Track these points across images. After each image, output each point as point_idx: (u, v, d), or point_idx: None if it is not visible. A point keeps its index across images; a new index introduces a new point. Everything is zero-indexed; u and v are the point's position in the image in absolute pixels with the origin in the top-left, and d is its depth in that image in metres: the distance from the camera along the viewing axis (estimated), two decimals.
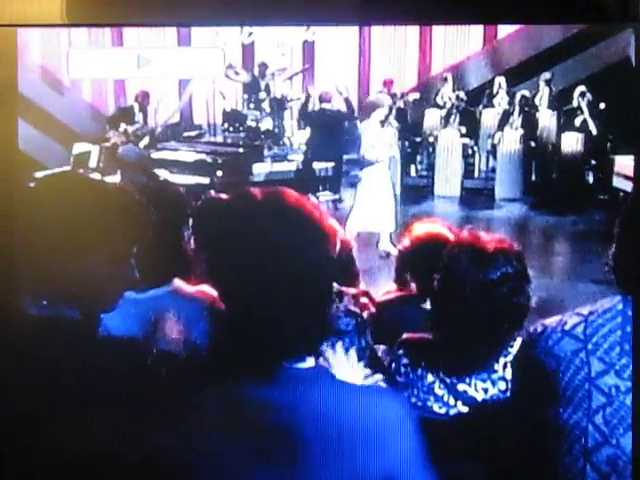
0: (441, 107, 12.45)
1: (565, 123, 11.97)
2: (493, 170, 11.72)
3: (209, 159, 10.67)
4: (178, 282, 2.28)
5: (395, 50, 14.65)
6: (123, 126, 10.36)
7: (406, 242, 3.30)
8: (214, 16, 2.18)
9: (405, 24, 10.85)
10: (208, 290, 1.69)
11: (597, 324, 1.83)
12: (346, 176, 12.27)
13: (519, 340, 2.28)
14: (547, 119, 12.45)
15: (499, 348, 2.29)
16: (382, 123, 8.63)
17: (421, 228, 3.16)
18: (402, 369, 2.35)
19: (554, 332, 1.86)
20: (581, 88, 11.98)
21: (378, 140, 8.72)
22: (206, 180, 10.10)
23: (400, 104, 12.39)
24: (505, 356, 2.28)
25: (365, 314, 3.21)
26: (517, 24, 11.08)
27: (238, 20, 2.46)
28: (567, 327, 1.86)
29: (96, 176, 5.38)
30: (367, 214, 8.91)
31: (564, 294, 7.13)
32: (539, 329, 1.89)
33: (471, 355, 2.27)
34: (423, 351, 2.34)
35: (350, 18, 2.24)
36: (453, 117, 12.17)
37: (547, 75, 13.23)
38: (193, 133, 13.46)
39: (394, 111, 8.95)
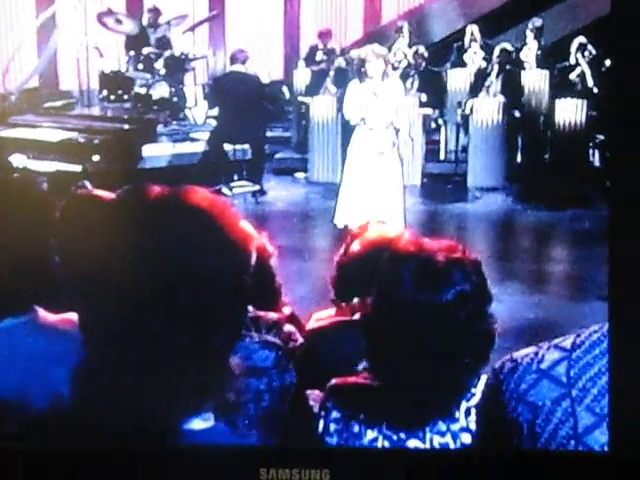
0: (394, 67, 12.59)
1: (560, 85, 12.18)
2: (464, 150, 11.87)
3: (81, 139, 10.52)
4: (39, 310, 2.31)
5: None
6: None
7: (341, 251, 3.37)
8: None
9: None
10: (76, 318, 1.72)
11: (584, 362, 1.85)
12: (270, 160, 12.31)
13: (483, 379, 2.33)
14: (536, 80, 12.65)
15: (459, 390, 2.33)
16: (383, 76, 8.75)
17: (364, 231, 3.22)
18: (332, 426, 2.37)
19: (528, 371, 1.88)
20: (580, 39, 12.22)
21: (359, 99, 8.79)
22: (77, 168, 9.98)
23: (339, 62, 12.50)
24: (468, 400, 2.33)
25: (291, 345, 3.27)
26: None
27: None
28: (545, 365, 1.87)
29: None
30: (361, 203, 8.94)
31: (562, 315, 7.24)
32: (508, 366, 1.89)
33: (423, 401, 2.30)
34: (359, 400, 2.35)
35: None
36: (410, 80, 12.28)
37: (537, 22, 13.44)
38: (59, 103, 13.32)
39: (389, 67, 9.01)
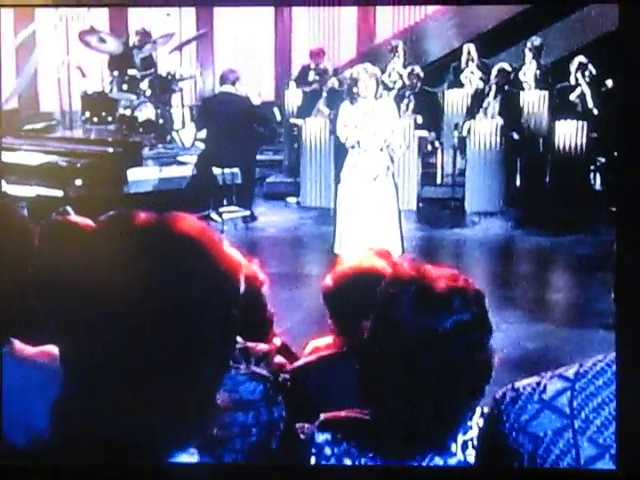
0: (389, 88, 12.66)
1: (560, 106, 12.24)
2: (462, 173, 11.93)
3: (63, 162, 10.52)
4: (16, 343, 2.31)
5: (326, 8, 14.84)
6: None
7: (328, 280, 3.40)
8: None
9: None
10: (55, 351, 1.71)
11: (588, 393, 1.86)
12: (261, 184, 12.33)
13: (478, 411, 2.36)
14: (535, 101, 12.73)
15: (455, 422, 2.33)
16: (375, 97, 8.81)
17: (349, 260, 3.25)
18: (324, 462, 2.36)
19: (530, 402, 1.90)
20: (580, 58, 12.29)
21: (352, 120, 8.83)
22: (59, 193, 9.99)
23: (332, 83, 12.55)
24: (464, 433, 2.34)
25: (281, 377, 3.28)
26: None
27: None
28: (547, 395, 1.89)
29: None
30: (358, 230, 8.96)
31: (564, 345, 7.25)
32: (509, 396, 1.92)
33: (418, 434, 2.30)
34: (352, 435, 2.36)
35: None
36: (406, 101, 12.34)
37: (536, 41, 13.53)
38: (39, 125, 13.34)
39: (381, 87, 9.06)
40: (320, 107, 12.11)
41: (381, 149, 8.97)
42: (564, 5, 11.96)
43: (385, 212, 9.00)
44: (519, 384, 1.94)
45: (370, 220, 8.93)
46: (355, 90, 8.86)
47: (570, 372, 1.91)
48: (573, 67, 12.11)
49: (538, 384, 1.92)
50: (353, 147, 8.99)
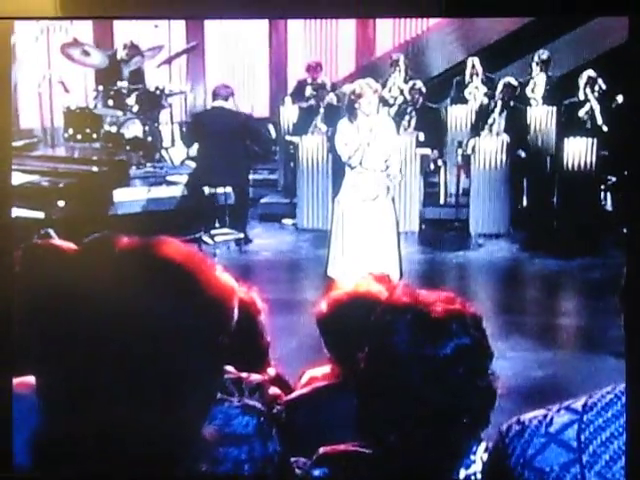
0: (390, 104, 12.69)
1: (569, 123, 12.26)
2: (466, 193, 11.93)
3: (45, 182, 10.53)
4: None
5: (322, 20, 14.90)
6: None
7: (322, 305, 3.41)
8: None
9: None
10: (33, 382, 1.71)
11: (596, 426, 1.87)
12: (255, 205, 12.32)
13: (483, 445, 2.35)
14: (543, 118, 12.75)
15: (457, 455, 2.33)
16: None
17: (345, 284, 3.25)
18: None
19: (536, 435, 1.91)
20: (589, 73, 12.31)
21: (353, 138, 8.84)
22: (40, 214, 9.98)
23: (331, 98, 12.57)
24: (467, 467, 2.33)
25: (275, 410, 3.27)
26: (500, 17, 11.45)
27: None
28: (554, 428, 1.90)
29: None
30: (355, 253, 8.96)
31: (573, 374, 7.26)
32: (515, 429, 1.92)
33: (418, 468, 2.30)
34: (350, 469, 2.36)
35: None
36: (407, 118, 12.36)
37: (543, 54, 13.56)
38: (19, 143, 13.30)
39: (377, 101, 9.07)
40: (318, 124, 12.12)
41: (382, 169, 8.97)
42: (571, 18, 11.98)
43: (384, 234, 9.00)
44: (525, 417, 1.95)
45: (367, 242, 8.93)
46: (357, 106, 8.84)
47: (578, 404, 1.92)
48: (582, 82, 12.11)
49: (545, 417, 1.93)
50: (354, 167, 8.97)
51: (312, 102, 12.79)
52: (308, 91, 13.30)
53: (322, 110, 12.35)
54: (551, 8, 2.60)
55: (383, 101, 9.84)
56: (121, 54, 13.35)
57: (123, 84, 13.00)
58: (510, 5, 2.77)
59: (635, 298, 2.01)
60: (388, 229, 9.07)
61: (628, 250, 2.21)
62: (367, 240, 8.95)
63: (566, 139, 11.54)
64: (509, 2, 2.79)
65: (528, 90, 13.04)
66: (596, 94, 12.00)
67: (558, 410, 1.93)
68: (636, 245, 2.26)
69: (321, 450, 2.45)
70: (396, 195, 9.36)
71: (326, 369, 3.58)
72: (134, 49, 13.38)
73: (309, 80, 13.56)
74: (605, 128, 11.83)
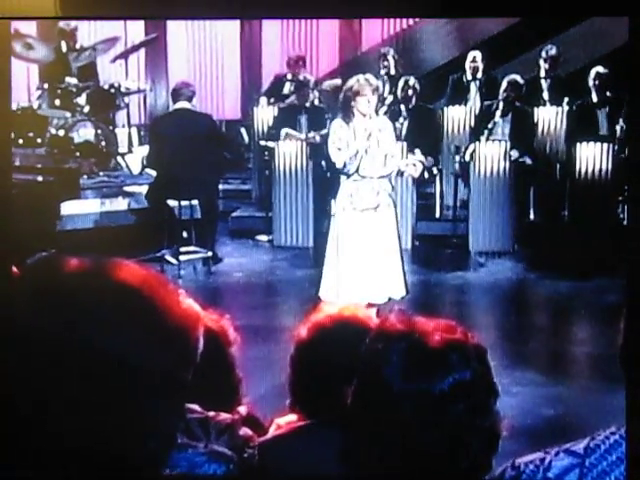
0: (380, 103, 12.67)
1: (581, 126, 12.26)
2: (465, 206, 11.97)
3: None
4: None
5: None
6: None
7: (302, 332, 3.40)
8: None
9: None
10: None
11: (599, 470, 1.90)
12: (225, 220, 12.29)
13: None
14: (552, 120, 12.79)
15: None
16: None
17: (327, 309, 3.25)
18: None
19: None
20: (598, 68, 12.29)
21: (351, 142, 8.82)
22: None
23: (313, 96, 12.57)
24: None
25: (247, 454, 3.26)
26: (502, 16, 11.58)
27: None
28: (553, 473, 1.92)
29: None
30: (353, 271, 8.95)
31: (586, 411, 7.26)
32: (509, 474, 1.95)
33: None
34: None
35: None
36: (400, 120, 12.34)
37: (551, 50, 13.58)
38: None
39: (376, 100, 9.04)
40: (288, 131, 12.06)
41: (383, 176, 8.95)
42: (570, 18, 12.06)
43: (386, 248, 8.99)
44: (520, 460, 1.98)
45: (369, 257, 8.91)
46: (353, 105, 8.77)
47: (580, 446, 1.96)
48: (595, 80, 12.11)
49: (542, 460, 1.96)
50: (349, 175, 8.91)
51: (292, 101, 12.76)
52: (287, 88, 13.27)
53: (303, 111, 12.32)
54: (551, 8, 2.64)
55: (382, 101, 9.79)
56: (63, 42, 13.20)
57: (72, 81, 12.93)
58: (510, 5, 2.81)
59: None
60: (391, 241, 9.05)
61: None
62: (368, 255, 8.93)
63: (578, 144, 11.57)
64: (509, 2, 2.83)
65: (535, 89, 13.05)
66: (611, 93, 12.01)
67: (557, 453, 1.96)
68: None
69: None
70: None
71: (293, 417, 3.56)
72: (74, 33, 13.28)
73: (289, 76, 13.48)
74: (622, 131, 11.83)
